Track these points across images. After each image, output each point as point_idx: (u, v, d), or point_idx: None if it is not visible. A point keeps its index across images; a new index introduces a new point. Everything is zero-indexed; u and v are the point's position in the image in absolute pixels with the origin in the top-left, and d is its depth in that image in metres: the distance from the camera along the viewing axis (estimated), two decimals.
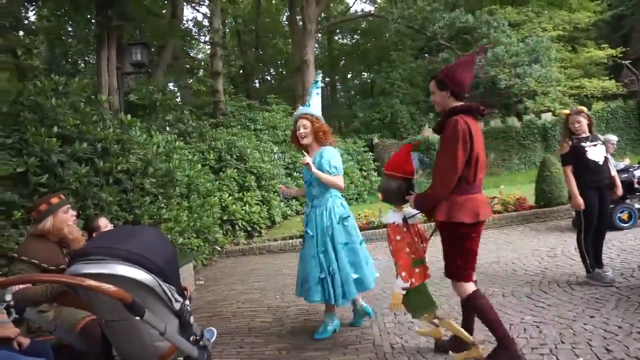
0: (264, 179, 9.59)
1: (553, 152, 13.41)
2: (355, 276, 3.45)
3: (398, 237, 2.81)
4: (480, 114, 2.66)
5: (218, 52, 14.17)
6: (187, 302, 2.21)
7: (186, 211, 6.52)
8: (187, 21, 20.89)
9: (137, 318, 1.72)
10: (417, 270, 2.82)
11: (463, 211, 2.52)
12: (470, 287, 2.65)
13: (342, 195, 3.71)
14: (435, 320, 3.00)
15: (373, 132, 17.77)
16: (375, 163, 15.87)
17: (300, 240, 6.36)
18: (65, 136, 4.66)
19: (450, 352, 2.93)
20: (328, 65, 27.75)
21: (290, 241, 7.54)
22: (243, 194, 8.63)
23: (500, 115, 18.24)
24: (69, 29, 16.68)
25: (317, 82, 3.83)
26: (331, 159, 3.45)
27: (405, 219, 2.87)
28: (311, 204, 3.60)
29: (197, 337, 2.26)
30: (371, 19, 23.08)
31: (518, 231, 6.80)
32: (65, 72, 15.26)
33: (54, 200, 3.09)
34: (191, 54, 24.48)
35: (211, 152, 9.11)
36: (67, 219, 3.08)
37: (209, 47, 16.13)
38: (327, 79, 27.70)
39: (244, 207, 8.36)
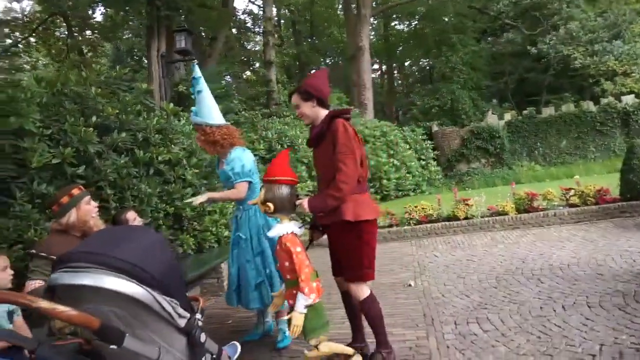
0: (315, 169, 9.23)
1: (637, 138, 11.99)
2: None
3: (299, 249, 2.54)
4: (349, 118, 2.76)
5: (270, 41, 13.97)
6: (199, 315, 1.87)
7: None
8: (241, 13, 20.97)
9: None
10: (314, 284, 2.56)
11: (366, 208, 2.60)
12: (367, 289, 2.70)
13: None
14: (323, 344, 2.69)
15: (432, 120, 16.88)
16: (435, 152, 15.07)
17: None
18: (105, 126, 4.54)
19: None
20: (385, 52, 26.90)
21: None
22: None
23: (572, 99, 16.69)
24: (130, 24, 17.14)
25: (196, 78, 3.36)
26: (234, 166, 3.25)
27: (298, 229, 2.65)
28: (241, 206, 3.36)
29: (214, 356, 1.92)
30: (430, 1, 21.96)
31: (600, 227, 5.95)
32: (130, 68, 15.80)
33: (75, 191, 2.88)
34: (247, 46, 24.72)
35: (261, 141, 8.90)
36: (90, 210, 2.88)
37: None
38: (384, 66, 26.92)
39: None
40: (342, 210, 2.55)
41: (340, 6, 25.74)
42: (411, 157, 13.37)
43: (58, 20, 16.94)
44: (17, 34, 17.90)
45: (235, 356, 2.44)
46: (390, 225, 7.00)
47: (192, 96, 3.46)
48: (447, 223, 6.71)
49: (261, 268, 3.28)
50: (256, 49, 23.90)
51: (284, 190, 2.65)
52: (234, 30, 18.91)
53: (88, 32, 17.25)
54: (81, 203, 2.86)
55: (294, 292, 2.58)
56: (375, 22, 27.85)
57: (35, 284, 2.57)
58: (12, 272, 2.38)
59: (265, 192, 2.68)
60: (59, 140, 4.07)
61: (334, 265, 2.90)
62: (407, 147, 13.70)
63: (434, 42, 20.72)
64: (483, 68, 19.13)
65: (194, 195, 5.31)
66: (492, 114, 16.09)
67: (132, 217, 3.45)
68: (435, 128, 16.07)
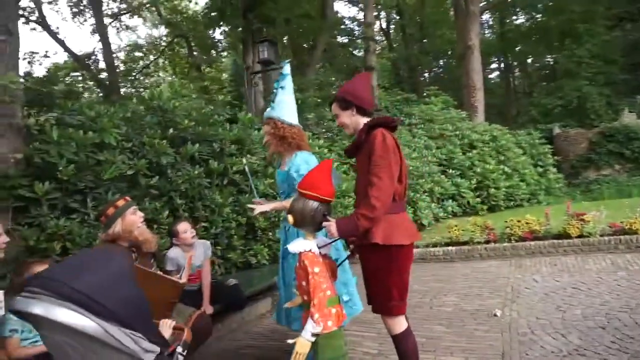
0: (410, 178, 8.73)
1: None
2: (346, 298, 3.01)
3: (317, 269, 2.27)
4: (394, 127, 2.46)
5: (371, 46, 13.73)
6: (180, 349, 1.69)
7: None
8: (347, 19, 21.06)
9: None
10: (333, 310, 2.27)
11: (401, 231, 2.28)
12: (404, 322, 2.41)
13: None
14: None
15: (553, 121, 15.06)
16: (555, 157, 13.40)
17: (447, 249, 5.46)
18: (182, 138, 4.70)
19: None
20: (502, 49, 24.93)
21: (433, 249, 6.55)
22: None
23: None
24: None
25: (283, 74, 3.20)
26: (299, 168, 2.98)
27: (319, 248, 2.37)
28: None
29: None
30: None
31: None
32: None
33: (120, 202, 2.95)
34: (356, 53, 24.80)
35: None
36: (135, 221, 2.92)
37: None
38: (501, 65, 24.95)
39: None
40: (372, 232, 2.25)
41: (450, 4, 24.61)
42: (525, 164, 12.04)
43: (180, 42, 18.69)
44: (151, 56, 20.23)
45: None
46: (488, 242, 6.24)
47: (274, 90, 3.39)
48: (555, 241, 5.76)
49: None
50: (360, 53, 23.86)
51: (311, 205, 2.36)
52: (338, 38, 19.06)
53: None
54: (126, 214, 2.91)
55: (332, 310, 2.30)
56: (491, 18, 26.06)
57: None
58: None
59: (293, 201, 2.45)
60: (137, 152, 4.29)
61: (367, 292, 2.55)
62: (521, 152, 12.37)
63: (557, 35, 18.53)
64: (618, 60, 16.57)
65: None
66: (629, 112, 13.81)
67: (183, 229, 3.44)
68: (556, 130, 14.32)
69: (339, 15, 18.26)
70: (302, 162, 3.06)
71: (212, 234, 4.52)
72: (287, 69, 3.32)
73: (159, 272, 2.81)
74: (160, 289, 2.73)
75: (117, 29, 19.20)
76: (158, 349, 1.53)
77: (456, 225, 6.67)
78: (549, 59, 23.98)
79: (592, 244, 5.56)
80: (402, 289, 2.34)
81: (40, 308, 1.35)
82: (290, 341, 2.29)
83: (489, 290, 4.60)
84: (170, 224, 4.03)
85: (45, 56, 19.67)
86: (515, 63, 27.88)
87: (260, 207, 3.13)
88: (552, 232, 6.01)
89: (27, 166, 3.58)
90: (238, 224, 4.78)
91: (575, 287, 4.30)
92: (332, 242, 2.50)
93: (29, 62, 16.98)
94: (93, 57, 16.70)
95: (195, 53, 18.17)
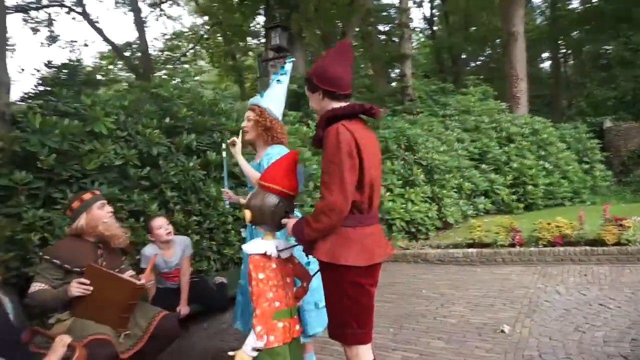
0: (436, 172, 8.24)
1: None
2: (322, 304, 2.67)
3: (261, 275, 2.06)
4: (370, 115, 2.04)
5: (406, 33, 13.14)
6: None
7: None
8: (381, 6, 20.35)
9: None
10: (280, 324, 2.08)
11: (353, 250, 1.91)
12: (367, 355, 2.03)
13: None
14: None
15: (605, 114, 13.91)
16: (605, 153, 12.37)
17: (468, 251, 5.49)
18: (177, 127, 4.52)
19: None
20: (552, 36, 23.40)
21: (452, 251, 6.11)
22: (405, 190, 7.52)
23: None
24: None
25: (284, 69, 3.05)
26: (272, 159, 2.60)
27: (277, 251, 2.14)
28: None
29: None
30: None
31: None
32: None
33: (87, 196, 2.80)
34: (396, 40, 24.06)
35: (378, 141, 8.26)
36: (102, 216, 2.77)
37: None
38: (549, 53, 23.45)
39: (404, 205, 7.26)
40: (316, 245, 1.95)
41: None
42: (569, 159, 11.15)
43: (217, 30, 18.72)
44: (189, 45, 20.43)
45: None
46: (513, 245, 5.72)
47: (270, 80, 3.23)
48: (588, 248, 5.17)
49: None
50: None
51: (270, 200, 2.13)
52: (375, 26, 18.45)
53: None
54: (92, 208, 2.76)
55: (278, 324, 2.09)
56: (543, 2, 24.53)
57: (37, 286, 2.54)
58: None
59: (251, 195, 2.23)
60: (130, 142, 4.14)
61: None
62: (565, 147, 11.49)
63: (612, 21, 17.05)
64: None
65: None
66: None
67: (158, 225, 3.25)
68: (607, 124, 13.23)
69: (374, 2, 17.61)
70: (277, 155, 2.80)
71: (206, 228, 4.32)
72: (288, 66, 3.16)
73: (115, 272, 2.61)
74: (116, 289, 2.55)
75: (157, 17, 19.51)
76: None
77: (479, 226, 6.19)
78: (604, 48, 22.32)
79: (630, 253, 4.96)
80: (359, 316, 1.97)
81: None
82: (230, 353, 2.04)
83: (504, 301, 4.17)
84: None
85: (85, 45, 20.35)
86: (567, 51, 26.16)
87: (231, 198, 2.99)
88: (585, 237, 5.41)
89: (12, 154, 3.50)
90: (235, 219, 4.57)
91: (603, 303, 3.80)
92: (294, 246, 2.23)
93: (70, 51, 17.63)
94: (132, 47, 17.03)
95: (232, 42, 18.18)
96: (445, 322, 3.76)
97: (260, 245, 2.14)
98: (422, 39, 28.95)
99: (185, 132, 4.40)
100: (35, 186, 3.44)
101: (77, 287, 2.46)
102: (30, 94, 4.58)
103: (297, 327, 2.22)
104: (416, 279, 5.29)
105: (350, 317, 1.95)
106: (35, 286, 2.54)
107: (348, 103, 2.08)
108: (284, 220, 2.13)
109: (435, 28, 27.11)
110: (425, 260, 6.21)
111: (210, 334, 3.90)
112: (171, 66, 19.16)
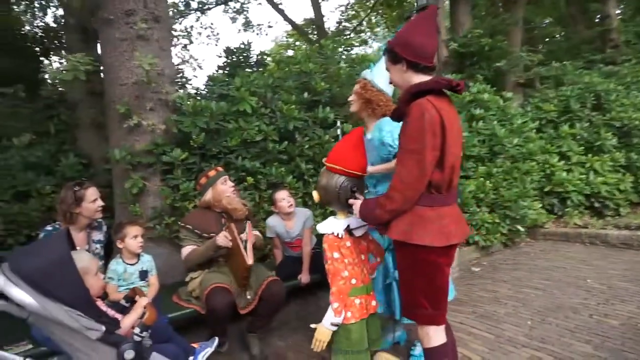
0: (636, 136, 6.69)
1: None
2: None
3: (336, 255, 2.13)
4: (455, 91, 1.87)
5: None
6: (137, 329, 1.71)
7: (481, 178, 5.38)
8: None
9: None
10: (357, 301, 2.15)
11: (430, 230, 1.81)
12: (439, 337, 1.95)
13: None
14: None
15: None
16: None
17: None
18: (315, 101, 4.66)
19: None
20: None
21: None
22: (587, 157, 6.32)
23: None
24: None
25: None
26: (394, 131, 2.52)
27: (350, 230, 2.18)
28: (374, 190, 2.75)
29: None
30: None
31: None
32: None
33: (212, 173, 3.16)
34: None
35: (554, 100, 7.11)
36: (225, 190, 3.11)
37: None
38: None
39: (583, 176, 6.13)
40: (391, 225, 1.89)
41: None
42: None
43: None
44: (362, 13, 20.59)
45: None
46: None
47: (381, 52, 3.18)
48: None
49: (391, 268, 2.68)
50: None
51: (337, 181, 2.18)
52: None
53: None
54: (217, 184, 3.10)
55: (355, 301, 2.19)
56: None
57: (188, 249, 3.02)
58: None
59: (319, 178, 2.28)
60: (272, 117, 4.46)
61: None
62: None
63: None
64: None
65: None
66: None
67: (280, 197, 3.43)
68: None
69: None
70: (388, 129, 2.66)
71: None
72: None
73: (244, 242, 2.89)
74: (238, 255, 2.84)
75: None
76: (102, 328, 1.59)
77: None
78: None
79: None
80: (433, 296, 1.92)
81: (0, 282, 1.53)
82: (312, 326, 2.19)
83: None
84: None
85: (269, 26, 22.40)
86: None
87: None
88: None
89: (172, 135, 4.11)
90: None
91: None
92: (365, 224, 2.26)
93: (256, 34, 19.60)
94: (309, 24, 18.01)
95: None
96: (604, 323, 3.12)
97: (332, 224, 2.16)
98: None
99: (321, 106, 4.51)
100: (191, 161, 4.01)
101: (223, 238, 2.84)
102: (188, 80, 5.27)
103: (374, 302, 2.26)
104: (584, 265, 4.48)
105: (424, 298, 1.91)
106: (187, 249, 3.04)
107: (431, 77, 1.95)
108: (350, 201, 2.12)
109: None
110: (605, 243, 5.22)
111: (322, 305, 3.94)
112: (346, 36, 19.64)
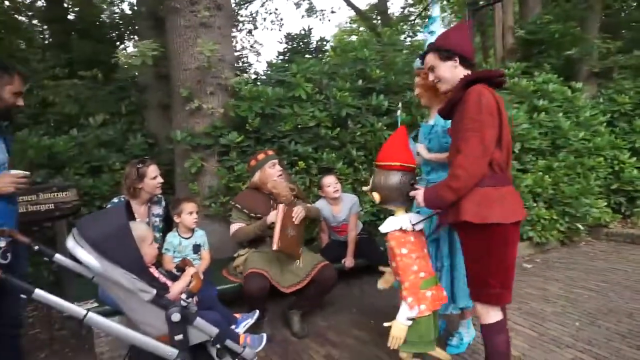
0: None
1: None
2: None
3: (404, 250, 2.15)
4: (499, 84, 2.06)
5: None
6: (184, 295, 1.88)
7: (540, 172, 5.16)
8: None
9: None
10: (428, 293, 2.16)
11: (500, 207, 1.90)
12: (497, 313, 2.05)
13: None
14: None
15: None
16: None
17: None
18: (369, 89, 4.68)
19: None
20: None
21: None
22: None
23: None
24: None
25: (432, 18, 2.90)
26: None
27: (412, 225, 2.19)
28: (427, 178, 2.74)
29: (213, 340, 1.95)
30: None
31: None
32: None
33: (261, 156, 3.29)
34: None
35: (630, 92, 6.61)
36: (272, 174, 3.24)
37: None
38: None
39: None
40: (461, 208, 1.94)
41: None
42: None
43: None
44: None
45: (260, 347, 2.40)
46: None
47: (424, 33, 3.20)
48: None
49: (434, 258, 2.71)
50: None
51: (393, 178, 2.24)
52: None
53: None
54: (265, 167, 3.25)
55: (427, 293, 2.20)
56: None
57: (236, 226, 3.23)
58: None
59: (372, 180, 2.34)
60: (325, 104, 4.55)
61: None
62: None
63: None
64: None
65: None
66: None
67: (327, 183, 3.52)
68: None
69: None
70: None
71: None
72: (436, 10, 2.94)
73: (281, 224, 3.00)
74: (286, 237, 3.00)
75: None
76: (153, 291, 1.77)
77: None
78: None
79: None
80: (504, 275, 2.00)
81: (70, 244, 1.76)
82: (386, 324, 2.24)
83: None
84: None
85: (332, 12, 22.66)
86: None
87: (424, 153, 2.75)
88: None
89: (229, 119, 4.30)
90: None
91: None
92: (428, 217, 2.33)
93: (319, 20, 19.66)
94: (376, 11, 17.81)
95: None
96: None
97: (396, 221, 2.21)
98: None
99: (375, 94, 4.52)
100: (246, 144, 4.19)
101: (273, 216, 3.02)
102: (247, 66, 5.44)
103: (444, 293, 2.29)
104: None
105: (494, 277, 1.98)
106: (235, 226, 3.24)
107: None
108: (412, 193, 2.18)
109: None
110: None
111: (365, 290, 4.01)
112: (411, 22, 19.21)
